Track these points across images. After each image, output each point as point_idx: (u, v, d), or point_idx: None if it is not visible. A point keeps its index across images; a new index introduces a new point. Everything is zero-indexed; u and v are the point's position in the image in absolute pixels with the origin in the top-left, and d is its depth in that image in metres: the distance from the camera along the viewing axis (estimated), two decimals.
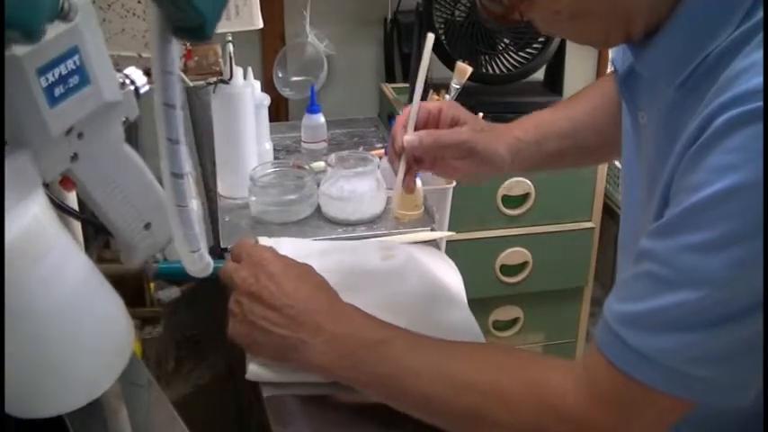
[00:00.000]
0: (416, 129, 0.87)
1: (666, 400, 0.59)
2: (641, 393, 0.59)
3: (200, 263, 0.56)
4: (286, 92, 1.88)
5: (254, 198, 1.19)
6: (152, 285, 0.89)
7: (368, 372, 0.71)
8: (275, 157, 1.41)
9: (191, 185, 0.52)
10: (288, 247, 1.02)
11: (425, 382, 0.68)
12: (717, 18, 0.58)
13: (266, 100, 1.37)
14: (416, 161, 0.88)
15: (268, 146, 1.38)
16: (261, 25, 1.27)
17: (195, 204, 0.53)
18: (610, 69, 0.95)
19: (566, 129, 0.91)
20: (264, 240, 1.03)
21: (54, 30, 0.50)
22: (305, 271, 0.80)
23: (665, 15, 0.61)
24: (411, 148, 0.85)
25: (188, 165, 0.52)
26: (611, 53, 0.92)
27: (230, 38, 1.22)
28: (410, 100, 0.89)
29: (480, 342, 0.83)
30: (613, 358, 0.60)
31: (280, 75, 1.88)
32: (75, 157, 0.57)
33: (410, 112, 0.87)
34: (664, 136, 0.65)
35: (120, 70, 0.61)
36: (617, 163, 1.87)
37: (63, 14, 0.46)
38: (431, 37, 0.87)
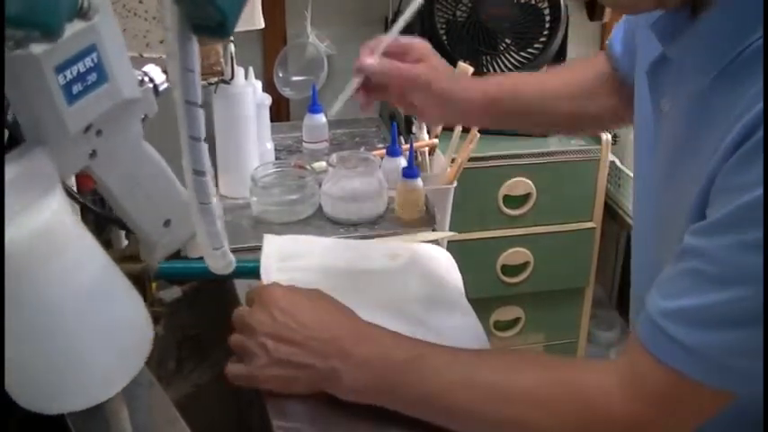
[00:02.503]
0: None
1: (712, 393, 0.60)
2: (690, 389, 0.60)
3: (222, 260, 0.56)
4: (286, 91, 1.88)
5: (255, 198, 1.19)
6: (153, 285, 0.89)
7: (405, 393, 0.71)
8: (276, 157, 1.41)
9: (212, 183, 0.53)
10: (293, 244, 1.02)
11: (464, 398, 0.68)
12: (758, 10, 0.58)
13: (267, 100, 1.37)
14: (381, 89, 0.89)
15: (269, 146, 1.38)
16: (262, 25, 1.27)
17: (216, 202, 0.53)
18: (602, 54, 0.98)
19: (534, 92, 0.95)
20: (269, 237, 1.03)
21: (71, 28, 0.50)
22: (316, 297, 0.79)
23: None
24: (368, 69, 0.87)
25: (209, 162, 0.52)
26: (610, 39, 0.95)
27: (231, 38, 1.22)
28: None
29: (512, 351, 0.83)
30: (661, 355, 0.60)
31: (280, 74, 1.88)
32: (94, 155, 0.57)
33: (382, 41, 0.88)
34: (691, 124, 0.65)
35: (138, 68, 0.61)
36: (618, 163, 1.87)
37: (82, 13, 0.46)
38: None
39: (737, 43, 0.59)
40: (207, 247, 0.55)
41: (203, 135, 0.50)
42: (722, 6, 0.60)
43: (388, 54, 0.88)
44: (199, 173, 0.51)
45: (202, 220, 0.53)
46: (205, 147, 0.50)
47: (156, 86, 0.63)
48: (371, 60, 0.87)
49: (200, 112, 0.49)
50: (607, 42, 0.95)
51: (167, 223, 0.65)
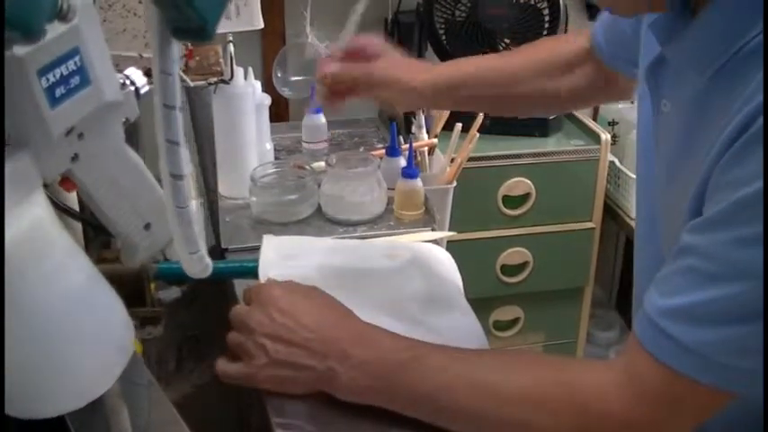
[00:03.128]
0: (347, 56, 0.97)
1: (710, 393, 0.60)
2: (687, 388, 0.60)
3: (199, 264, 0.56)
4: (285, 91, 1.88)
5: (254, 198, 1.19)
6: (152, 285, 0.89)
7: (403, 394, 0.71)
8: (276, 158, 1.41)
9: (190, 186, 0.53)
10: (292, 244, 1.02)
11: (463, 398, 0.68)
12: (754, 9, 0.58)
13: (267, 100, 1.37)
14: (346, 90, 0.98)
15: (269, 146, 1.38)
16: (261, 25, 1.27)
17: (194, 205, 0.53)
18: (576, 35, 1.01)
19: (487, 77, 1.00)
20: (269, 238, 1.03)
21: (55, 30, 0.50)
22: (315, 297, 0.79)
23: None
24: (327, 77, 0.96)
25: (188, 165, 0.52)
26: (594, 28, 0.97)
27: (231, 38, 1.22)
28: None
29: (510, 351, 0.83)
30: (658, 353, 0.61)
31: (279, 74, 1.88)
32: (75, 158, 0.57)
33: (338, 48, 0.97)
34: (690, 123, 0.65)
35: (120, 71, 0.61)
36: (618, 163, 1.87)
37: (62, 15, 0.46)
38: None
39: (733, 43, 0.59)
40: (183, 252, 0.55)
41: (181, 139, 0.50)
42: (717, 7, 0.60)
43: (347, 56, 0.97)
44: (176, 176, 0.51)
45: (179, 223, 0.53)
46: (183, 150, 0.50)
47: (137, 90, 0.62)
48: (329, 69, 0.95)
49: (178, 116, 0.49)
50: (592, 33, 0.96)
51: (147, 226, 0.65)
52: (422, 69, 0.98)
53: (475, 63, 1.04)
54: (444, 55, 1.64)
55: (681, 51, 0.65)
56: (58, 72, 0.51)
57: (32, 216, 0.51)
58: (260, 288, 0.80)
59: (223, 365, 0.77)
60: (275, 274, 0.89)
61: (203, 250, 0.56)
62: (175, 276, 0.91)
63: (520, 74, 0.99)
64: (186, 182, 0.51)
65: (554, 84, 0.99)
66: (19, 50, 0.48)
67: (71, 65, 0.52)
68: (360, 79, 0.96)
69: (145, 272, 0.85)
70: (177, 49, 0.47)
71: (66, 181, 0.59)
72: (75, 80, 0.53)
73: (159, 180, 0.56)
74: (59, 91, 0.52)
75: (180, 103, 0.48)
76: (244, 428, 1.11)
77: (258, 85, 1.33)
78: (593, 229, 1.81)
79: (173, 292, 0.94)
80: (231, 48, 1.21)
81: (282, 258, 0.99)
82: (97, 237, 0.86)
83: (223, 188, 1.29)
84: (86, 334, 0.55)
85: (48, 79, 0.50)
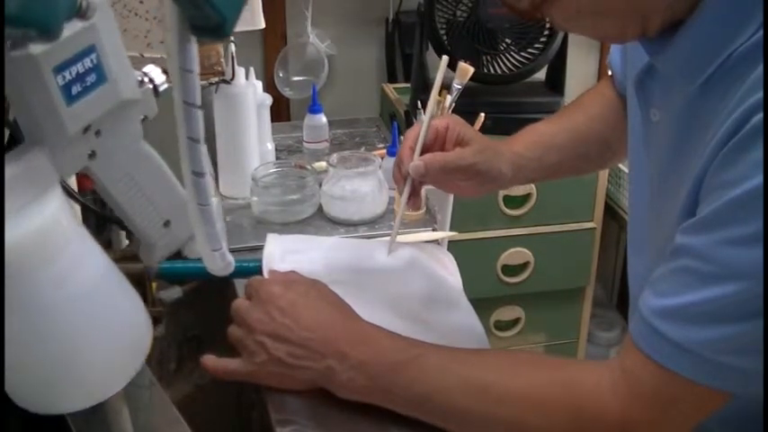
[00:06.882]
0: (424, 149, 0.86)
1: (705, 393, 0.60)
2: (683, 387, 0.60)
3: (221, 261, 0.56)
4: (287, 92, 1.88)
5: (255, 198, 1.19)
6: (153, 285, 0.89)
7: (400, 394, 0.71)
8: (277, 158, 1.41)
9: (211, 184, 0.53)
10: (295, 243, 1.02)
11: (460, 399, 0.68)
12: (741, 15, 0.58)
13: (268, 100, 1.37)
14: (421, 181, 0.88)
15: (270, 146, 1.38)
16: (263, 25, 1.27)
17: (215, 203, 0.53)
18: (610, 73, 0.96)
19: (565, 141, 0.93)
20: (272, 237, 1.03)
21: (70, 28, 0.50)
22: (315, 296, 0.79)
23: (684, 12, 0.62)
24: (418, 175, 0.85)
25: (208, 163, 0.52)
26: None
27: (232, 38, 1.22)
28: (411, 106, 0.90)
29: (508, 351, 0.83)
30: (653, 354, 0.61)
31: (281, 74, 1.88)
32: (93, 155, 0.57)
33: (418, 135, 0.86)
34: (683, 130, 0.66)
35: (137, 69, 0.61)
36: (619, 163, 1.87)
37: (81, 13, 0.46)
38: (445, 59, 0.90)
39: (722, 50, 0.60)
40: (206, 249, 0.55)
41: (202, 136, 0.50)
42: (704, 15, 0.60)
43: (426, 143, 0.86)
44: (198, 174, 0.51)
45: (201, 221, 0.53)
46: (204, 148, 0.50)
47: (155, 87, 0.62)
48: (417, 163, 0.85)
49: (199, 114, 0.49)
50: (607, 60, 0.94)
51: (167, 224, 0.65)
52: (503, 151, 0.90)
53: (548, 130, 0.94)
54: (445, 55, 1.64)
55: (670, 61, 0.65)
56: (74, 70, 0.51)
57: (47, 213, 0.51)
58: (260, 284, 0.80)
59: (214, 362, 0.78)
60: (278, 268, 0.89)
61: (225, 247, 0.56)
62: (177, 276, 0.91)
63: (589, 135, 0.94)
64: (208, 179, 0.51)
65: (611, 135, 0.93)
66: (34, 48, 0.48)
67: (87, 62, 0.52)
68: (453, 171, 0.86)
69: (146, 272, 0.85)
70: (196, 47, 0.47)
71: (84, 177, 0.59)
72: (92, 78, 0.53)
73: (179, 177, 0.56)
74: (75, 88, 0.52)
75: (200, 100, 0.48)
76: (245, 428, 1.11)
77: (259, 84, 1.33)
78: (594, 229, 1.81)
79: (174, 292, 0.94)
80: (232, 47, 1.21)
81: (286, 253, 0.99)
82: (100, 235, 0.86)
83: (224, 188, 1.29)
84: (100, 332, 0.55)
85: (64, 77, 0.51)
